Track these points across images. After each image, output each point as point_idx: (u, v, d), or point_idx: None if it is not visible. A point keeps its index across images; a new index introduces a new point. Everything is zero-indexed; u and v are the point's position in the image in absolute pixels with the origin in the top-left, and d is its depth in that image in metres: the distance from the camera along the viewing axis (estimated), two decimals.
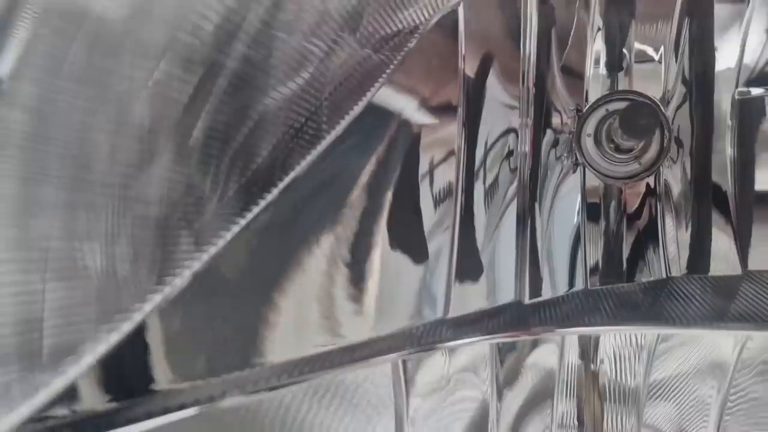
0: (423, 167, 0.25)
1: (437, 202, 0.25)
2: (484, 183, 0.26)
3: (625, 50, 0.26)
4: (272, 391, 0.20)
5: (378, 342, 0.22)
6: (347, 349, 0.20)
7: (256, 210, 0.19)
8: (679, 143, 0.28)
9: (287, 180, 0.20)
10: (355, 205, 0.24)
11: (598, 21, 0.24)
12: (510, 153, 0.27)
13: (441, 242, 0.25)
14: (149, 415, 0.18)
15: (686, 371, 0.25)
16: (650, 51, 0.26)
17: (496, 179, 0.27)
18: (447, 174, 0.24)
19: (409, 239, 0.23)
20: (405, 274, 0.23)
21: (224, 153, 0.20)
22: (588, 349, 0.30)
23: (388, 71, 0.24)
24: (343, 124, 0.23)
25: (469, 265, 0.25)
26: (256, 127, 0.21)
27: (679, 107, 0.28)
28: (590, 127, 0.28)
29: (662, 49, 0.26)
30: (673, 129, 0.28)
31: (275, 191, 0.19)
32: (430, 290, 0.24)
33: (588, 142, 0.28)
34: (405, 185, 0.24)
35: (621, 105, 0.28)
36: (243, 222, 0.19)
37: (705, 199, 0.28)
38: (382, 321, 0.23)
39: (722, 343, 0.24)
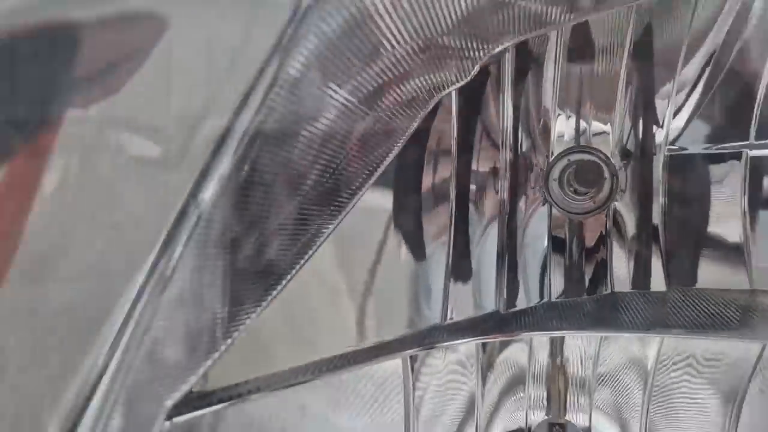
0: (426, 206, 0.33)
1: (433, 231, 0.33)
2: (476, 215, 0.34)
3: (583, 123, 0.34)
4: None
5: (393, 343, 0.30)
6: (371, 349, 0.28)
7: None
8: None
9: (324, 238, 0.27)
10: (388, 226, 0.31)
11: (557, 109, 0.32)
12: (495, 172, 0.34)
13: (440, 265, 0.33)
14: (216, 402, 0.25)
15: (619, 367, 0.33)
16: (601, 125, 0.34)
17: (479, 210, 0.35)
18: (442, 218, 0.32)
19: (418, 269, 0.31)
20: (413, 294, 0.31)
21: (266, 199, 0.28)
22: (555, 347, 0.38)
23: (411, 128, 0.31)
24: (371, 181, 0.30)
25: (461, 284, 0.33)
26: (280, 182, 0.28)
27: (625, 157, 0.36)
28: (556, 173, 0.36)
29: (608, 125, 0.34)
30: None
31: (310, 252, 0.27)
32: (432, 305, 0.32)
33: (554, 185, 0.36)
34: (408, 225, 0.32)
35: (580, 156, 0.36)
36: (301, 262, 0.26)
37: (646, 234, 0.36)
38: (395, 326, 0.31)
39: (645, 343, 0.32)
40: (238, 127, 0.20)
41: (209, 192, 0.20)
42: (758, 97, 0.31)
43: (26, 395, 0.22)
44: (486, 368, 0.33)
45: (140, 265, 0.21)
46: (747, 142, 0.31)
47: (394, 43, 0.27)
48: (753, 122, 0.31)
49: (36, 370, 0.23)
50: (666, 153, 0.35)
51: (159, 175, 0.22)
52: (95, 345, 0.22)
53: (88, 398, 0.22)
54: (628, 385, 0.33)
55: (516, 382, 0.35)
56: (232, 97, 0.20)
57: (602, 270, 0.37)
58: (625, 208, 0.37)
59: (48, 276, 0.21)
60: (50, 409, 0.22)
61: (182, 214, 0.21)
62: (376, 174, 0.31)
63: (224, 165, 0.20)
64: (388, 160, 0.31)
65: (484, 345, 0.33)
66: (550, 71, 0.34)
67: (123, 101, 0.21)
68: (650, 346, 0.32)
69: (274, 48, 0.21)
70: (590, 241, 0.37)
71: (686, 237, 0.35)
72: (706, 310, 0.33)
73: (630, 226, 0.37)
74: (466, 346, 0.32)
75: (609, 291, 0.36)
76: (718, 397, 0.31)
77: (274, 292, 0.27)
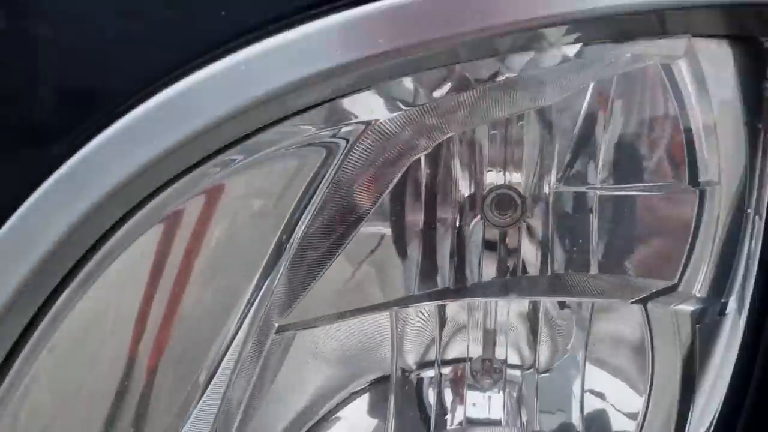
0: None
1: (411, 240, 0.55)
2: (438, 229, 0.56)
3: (507, 174, 0.56)
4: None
5: (386, 303, 0.53)
6: (375, 305, 0.51)
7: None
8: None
9: (346, 244, 0.49)
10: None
11: (488, 166, 0.54)
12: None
13: (414, 259, 0.55)
14: None
15: (521, 318, 0.55)
16: (516, 174, 0.56)
17: (440, 226, 0.57)
18: (417, 230, 0.54)
19: (402, 262, 0.54)
20: (400, 277, 0.53)
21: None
22: (487, 306, 0.61)
23: (398, 174, 0.53)
24: (376, 204, 0.52)
25: (428, 271, 0.55)
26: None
27: (531, 192, 0.58)
28: (488, 202, 0.58)
29: (520, 174, 0.55)
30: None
31: (340, 251, 0.49)
32: (411, 282, 0.54)
33: (486, 209, 0.58)
34: (398, 236, 0.54)
35: (502, 191, 0.58)
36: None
37: (544, 239, 0.58)
38: (388, 294, 0.53)
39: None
40: (314, 200, 0.42)
41: (300, 230, 0.42)
42: (599, 152, 0.53)
43: (185, 351, 0.43)
44: (440, 320, 0.56)
45: (252, 276, 0.43)
46: (593, 185, 0.53)
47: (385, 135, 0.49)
48: (596, 171, 0.53)
49: (193, 336, 0.44)
50: (553, 190, 0.57)
51: (262, 221, 0.44)
52: (229, 318, 0.43)
53: (223, 354, 0.44)
54: (522, 329, 0.55)
55: (461, 328, 0.57)
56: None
57: (518, 262, 0.60)
58: (533, 222, 0.59)
59: (202, 284, 0.42)
60: (201, 360, 0.43)
61: (279, 244, 0.43)
62: (379, 201, 0.53)
63: (308, 214, 0.42)
64: (385, 194, 0.54)
65: (439, 306, 0.56)
66: (484, 143, 0.55)
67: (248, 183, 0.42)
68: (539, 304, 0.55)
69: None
70: (511, 244, 0.59)
71: (568, 240, 0.57)
72: (576, 284, 0.55)
73: (536, 234, 0.59)
74: (429, 307, 0.55)
75: (521, 274, 0.59)
76: (574, 336, 0.53)
77: (315, 280, 0.49)
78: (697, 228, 0.44)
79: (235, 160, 0.36)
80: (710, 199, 0.44)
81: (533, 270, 0.59)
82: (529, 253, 0.59)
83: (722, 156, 0.42)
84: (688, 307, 0.44)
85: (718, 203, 0.44)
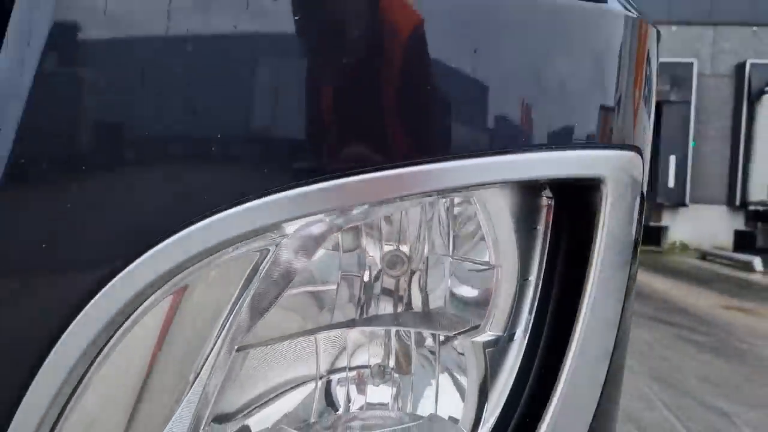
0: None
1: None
2: (354, 281, 0.85)
3: (400, 247, 0.85)
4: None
5: (313, 329, 0.81)
6: (309, 330, 0.79)
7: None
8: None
9: (290, 283, 0.77)
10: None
11: (386, 242, 0.83)
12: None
13: (334, 297, 0.83)
14: None
15: (402, 336, 0.84)
16: (405, 246, 0.85)
17: (355, 279, 0.85)
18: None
19: (326, 306, 0.82)
20: (325, 311, 0.81)
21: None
22: (385, 333, 0.90)
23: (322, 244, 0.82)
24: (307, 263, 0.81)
25: (344, 307, 0.84)
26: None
27: (414, 254, 0.87)
28: (385, 260, 0.87)
29: (406, 247, 0.85)
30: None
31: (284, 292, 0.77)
32: (330, 315, 0.82)
33: (384, 266, 0.87)
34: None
35: (395, 253, 0.88)
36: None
37: (423, 284, 0.87)
38: (315, 324, 0.81)
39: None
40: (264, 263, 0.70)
41: (252, 288, 0.70)
42: (450, 235, 0.82)
43: (182, 360, 0.71)
44: (350, 340, 0.84)
45: (222, 313, 0.71)
46: (448, 254, 0.83)
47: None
48: (449, 246, 0.82)
49: (188, 350, 0.72)
50: (426, 255, 0.86)
51: (227, 287, 0.71)
52: (209, 338, 0.71)
53: (204, 361, 0.72)
54: (403, 346, 0.85)
55: (363, 345, 0.86)
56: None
57: (407, 301, 0.89)
58: (420, 273, 0.88)
59: (193, 320, 0.71)
60: (191, 364, 0.71)
61: (238, 296, 0.71)
62: (307, 262, 0.81)
63: (257, 280, 0.70)
64: (311, 258, 0.82)
65: (350, 330, 0.84)
66: (384, 228, 0.84)
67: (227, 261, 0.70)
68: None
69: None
70: (401, 291, 0.88)
71: (434, 288, 0.86)
72: (437, 319, 0.84)
73: (421, 281, 0.89)
74: (341, 330, 0.83)
75: (405, 311, 0.88)
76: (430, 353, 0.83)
77: (265, 315, 0.77)
78: (491, 290, 0.75)
79: (230, 249, 0.64)
80: (497, 274, 0.74)
81: (416, 307, 0.88)
82: (414, 296, 0.88)
83: (498, 251, 0.72)
84: (481, 339, 0.73)
85: (499, 277, 0.74)
